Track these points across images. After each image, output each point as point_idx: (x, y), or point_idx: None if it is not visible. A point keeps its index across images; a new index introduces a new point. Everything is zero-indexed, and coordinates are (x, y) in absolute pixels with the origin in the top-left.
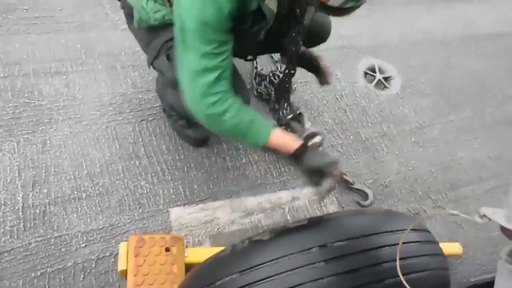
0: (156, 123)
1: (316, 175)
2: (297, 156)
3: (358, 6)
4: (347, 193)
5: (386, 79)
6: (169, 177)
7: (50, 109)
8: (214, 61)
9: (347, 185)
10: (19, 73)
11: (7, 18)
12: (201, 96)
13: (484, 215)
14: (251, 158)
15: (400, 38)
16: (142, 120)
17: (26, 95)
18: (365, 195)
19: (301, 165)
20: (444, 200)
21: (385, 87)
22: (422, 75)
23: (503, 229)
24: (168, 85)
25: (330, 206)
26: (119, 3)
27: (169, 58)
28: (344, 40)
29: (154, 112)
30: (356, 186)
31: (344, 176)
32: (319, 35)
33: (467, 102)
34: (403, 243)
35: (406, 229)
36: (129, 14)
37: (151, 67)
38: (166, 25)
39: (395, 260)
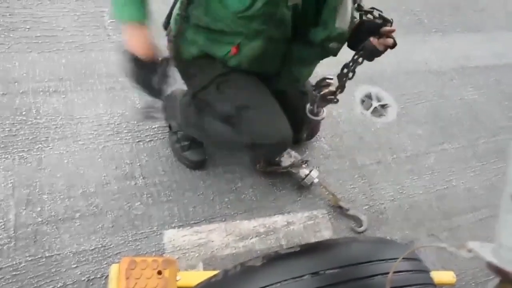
0: (153, 144)
1: None
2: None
3: None
4: (342, 219)
5: (382, 106)
6: (164, 199)
7: (47, 127)
8: None
9: (342, 211)
10: (18, 91)
11: (9, 37)
12: None
13: (470, 250)
14: (247, 182)
15: (396, 67)
16: (139, 141)
17: (23, 113)
18: (359, 222)
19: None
20: (438, 228)
21: (382, 114)
22: (417, 104)
23: (489, 265)
24: (215, 117)
25: (325, 232)
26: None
27: (219, 90)
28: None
29: (152, 133)
30: (351, 212)
31: (339, 202)
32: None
33: (461, 132)
34: (394, 272)
35: (397, 258)
36: (173, 41)
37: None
38: (214, 59)
39: None
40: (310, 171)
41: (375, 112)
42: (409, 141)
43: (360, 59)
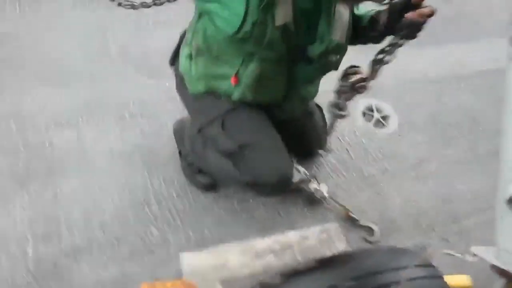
0: (166, 170)
1: None
2: None
3: None
4: (354, 230)
5: (384, 118)
6: (179, 223)
7: (61, 160)
8: None
9: (353, 222)
10: (30, 125)
11: (20, 72)
12: None
13: (475, 254)
14: (258, 200)
15: (394, 79)
16: (152, 168)
17: (37, 147)
18: (371, 231)
19: None
20: (448, 232)
21: (384, 125)
22: (417, 113)
23: (493, 267)
24: (219, 152)
25: (339, 244)
26: (128, 56)
27: (223, 127)
28: None
29: (164, 159)
30: (362, 222)
31: (350, 214)
32: (315, 147)
33: (461, 136)
34: (409, 279)
35: (411, 266)
36: (181, 78)
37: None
38: (219, 96)
39: None
40: (319, 186)
41: (377, 123)
42: (411, 149)
43: (401, 41)
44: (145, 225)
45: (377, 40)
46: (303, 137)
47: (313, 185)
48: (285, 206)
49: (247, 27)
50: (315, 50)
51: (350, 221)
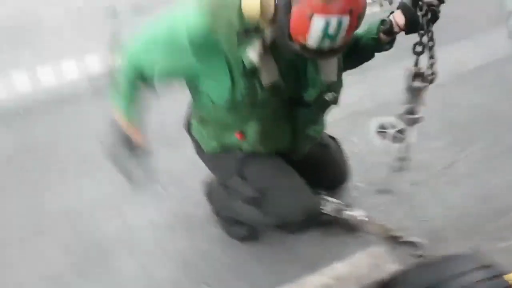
0: (207, 229)
1: None
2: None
3: (337, 51)
4: (400, 248)
5: (399, 132)
6: (230, 277)
7: (112, 244)
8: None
9: (397, 241)
10: (77, 216)
11: (54, 168)
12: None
13: None
14: (299, 239)
15: (398, 93)
16: (194, 230)
17: (88, 236)
18: (417, 246)
19: None
20: (498, 229)
21: (402, 139)
22: (430, 120)
23: None
24: (243, 200)
25: (390, 265)
26: (148, 133)
27: (243, 176)
28: (349, 108)
29: (202, 219)
30: (406, 238)
31: (391, 233)
32: (337, 178)
33: (480, 133)
34: (475, 283)
35: (470, 269)
36: (197, 142)
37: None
38: (233, 149)
39: None
40: (354, 211)
41: (395, 139)
42: (435, 156)
43: (428, 25)
44: (197, 285)
45: (389, 46)
46: (325, 170)
47: (348, 212)
48: (326, 240)
49: (238, 96)
50: (309, 95)
51: (393, 240)
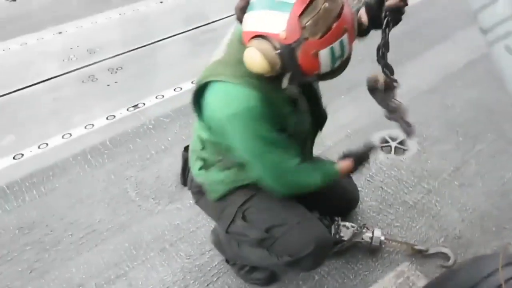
0: (222, 280)
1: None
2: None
3: (346, 63)
4: (427, 262)
5: (401, 143)
6: None
7: None
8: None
9: (422, 254)
10: None
11: (57, 250)
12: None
13: None
14: (322, 272)
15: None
16: (208, 284)
17: None
18: (445, 256)
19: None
20: None
21: (404, 150)
22: (431, 125)
23: None
24: (252, 244)
25: (419, 282)
26: (146, 190)
27: (246, 220)
28: (346, 129)
29: (216, 271)
30: (432, 251)
31: (416, 247)
32: (349, 204)
33: (484, 128)
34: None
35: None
36: (196, 192)
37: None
38: (236, 191)
39: None
40: (373, 232)
41: (398, 151)
42: (443, 160)
43: (389, 26)
44: None
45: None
46: (337, 198)
47: (366, 235)
48: (350, 267)
49: (290, 129)
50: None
51: (419, 254)
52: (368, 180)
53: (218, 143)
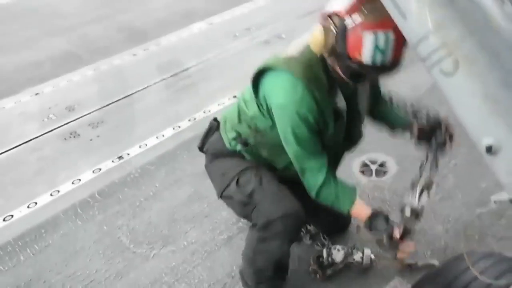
0: None
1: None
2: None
3: (390, 68)
4: (417, 275)
5: (381, 165)
6: None
7: None
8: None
9: (412, 268)
10: None
11: None
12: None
13: (496, 201)
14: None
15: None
16: None
17: None
18: (433, 267)
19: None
20: (502, 229)
21: (385, 172)
22: (407, 145)
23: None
24: (239, 211)
25: None
26: (139, 237)
27: (238, 183)
28: None
29: None
30: (421, 263)
31: (405, 262)
32: (343, 224)
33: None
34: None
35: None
36: (211, 155)
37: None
38: (242, 158)
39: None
40: (363, 252)
41: (379, 173)
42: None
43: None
44: None
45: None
46: (329, 217)
47: (357, 255)
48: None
49: (328, 133)
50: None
51: (409, 268)
52: None
53: (255, 123)
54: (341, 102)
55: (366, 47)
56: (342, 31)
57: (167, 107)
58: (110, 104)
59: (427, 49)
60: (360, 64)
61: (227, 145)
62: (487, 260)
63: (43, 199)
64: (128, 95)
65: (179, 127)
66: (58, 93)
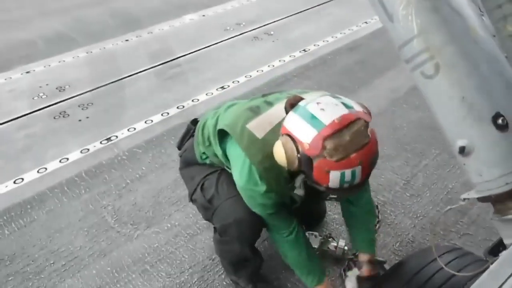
0: None
1: None
2: None
3: (357, 187)
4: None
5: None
6: None
7: None
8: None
9: (382, 266)
10: None
11: (40, 278)
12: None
13: (465, 198)
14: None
15: None
16: None
17: None
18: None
19: None
20: (465, 226)
21: None
22: (383, 144)
23: (479, 199)
24: (203, 214)
25: None
26: (124, 217)
27: (202, 188)
28: None
29: (196, 287)
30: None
31: (376, 258)
32: (318, 215)
33: (429, 145)
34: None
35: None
36: (183, 162)
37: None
38: (210, 166)
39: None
40: (338, 242)
41: None
42: (395, 175)
43: None
44: None
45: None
46: (305, 208)
47: (332, 244)
48: None
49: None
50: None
51: (379, 264)
52: (329, 212)
53: (220, 160)
54: (300, 191)
55: (332, 182)
56: (306, 162)
57: (157, 93)
58: (100, 87)
59: (410, 51)
60: (326, 187)
61: (198, 157)
62: (451, 253)
63: (30, 176)
64: (119, 79)
65: (168, 113)
66: (50, 73)
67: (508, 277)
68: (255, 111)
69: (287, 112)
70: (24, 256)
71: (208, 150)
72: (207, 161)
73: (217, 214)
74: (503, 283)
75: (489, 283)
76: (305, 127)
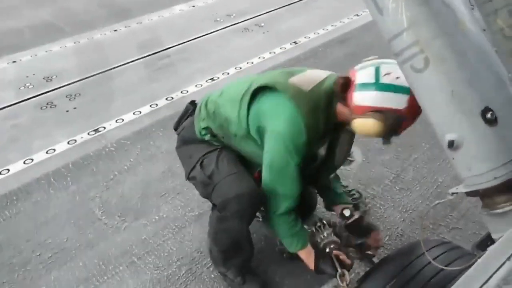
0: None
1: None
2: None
3: None
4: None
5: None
6: None
7: None
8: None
9: (370, 259)
10: None
11: (26, 270)
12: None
13: (453, 193)
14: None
15: None
16: None
17: None
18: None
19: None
20: (454, 220)
21: (351, 161)
22: (374, 139)
23: (468, 194)
24: (202, 191)
25: None
26: (112, 209)
27: (202, 165)
28: None
29: (184, 279)
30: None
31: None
32: (310, 207)
33: (419, 139)
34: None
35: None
36: (181, 140)
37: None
38: (209, 143)
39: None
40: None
41: (345, 162)
42: (385, 168)
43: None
44: None
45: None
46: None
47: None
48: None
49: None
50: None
51: (368, 259)
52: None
53: (227, 127)
54: (322, 151)
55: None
56: (398, 123)
57: (145, 84)
58: (88, 77)
59: (400, 45)
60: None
61: (197, 133)
62: (439, 247)
63: (16, 167)
64: (107, 70)
65: (156, 105)
66: (36, 62)
67: (495, 272)
68: (291, 73)
69: (338, 91)
70: (10, 248)
71: (212, 122)
72: (206, 138)
73: (217, 189)
74: (489, 278)
75: (476, 278)
76: (394, 97)
